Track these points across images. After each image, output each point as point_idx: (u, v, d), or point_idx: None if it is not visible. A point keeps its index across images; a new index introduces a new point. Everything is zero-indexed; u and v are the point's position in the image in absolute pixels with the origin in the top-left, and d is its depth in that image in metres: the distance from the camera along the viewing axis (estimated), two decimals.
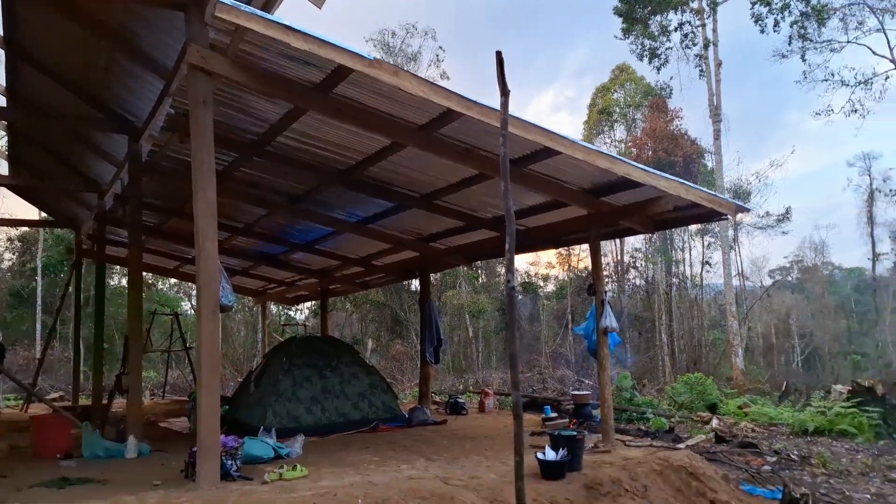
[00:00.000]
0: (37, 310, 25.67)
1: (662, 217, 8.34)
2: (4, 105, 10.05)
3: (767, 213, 32.26)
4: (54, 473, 6.46)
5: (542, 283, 36.90)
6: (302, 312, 31.03)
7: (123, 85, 8.56)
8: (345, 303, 28.96)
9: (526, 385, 20.26)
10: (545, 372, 23.61)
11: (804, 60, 25.35)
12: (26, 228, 26.49)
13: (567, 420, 11.01)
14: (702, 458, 7.61)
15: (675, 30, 26.88)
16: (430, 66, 31.85)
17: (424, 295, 13.23)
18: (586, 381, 19.37)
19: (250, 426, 8.63)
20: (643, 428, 11.59)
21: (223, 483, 5.55)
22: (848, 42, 24.67)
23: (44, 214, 18.36)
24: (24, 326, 27.29)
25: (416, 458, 7.27)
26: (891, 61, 23.93)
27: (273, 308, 29.01)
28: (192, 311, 29.72)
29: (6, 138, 12.87)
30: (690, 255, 34.08)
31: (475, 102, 6.04)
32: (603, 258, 9.14)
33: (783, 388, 18.71)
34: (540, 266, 36.87)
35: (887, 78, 24.41)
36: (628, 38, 28.18)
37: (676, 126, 31.66)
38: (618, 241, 32.49)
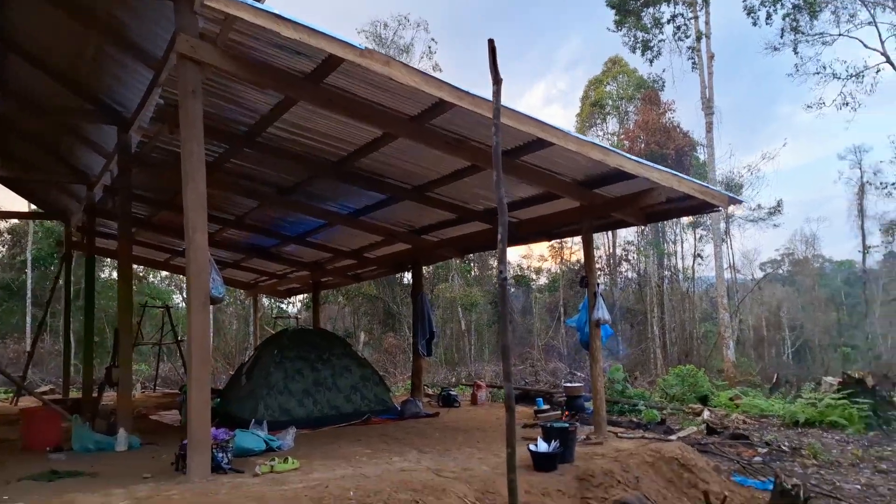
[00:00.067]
0: (27, 303, 25.52)
1: (655, 209, 8.32)
2: None
3: (759, 206, 32.40)
4: (43, 466, 6.40)
5: (534, 276, 36.95)
6: (294, 305, 30.97)
7: (112, 75, 8.47)
8: (337, 296, 28.92)
9: (518, 378, 20.29)
10: (537, 365, 23.65)
11: (796, 53, 25.44)
12: (16, 221, 26.32)
13: (559, 412, 11.02)
14: (693, 449, 7.63)
15: (668, 22, 26.90)
16: (422, 58, 31.79)
17: (417, 287, 13.20)
18: (578, 374, 19.41)
19: (242, 419, 8.59)
20: (635, 420, 11.62)
21: (214, 476, 5.52)
22: (840, 35, 24.75)
23: (33, 206, 18.23)
24: (13, 319, 27.14)
25: (408, 450, 7.26)
26: (882, 54, 24.01)
27: (265, 301, 28.97)
28: (184, 304, 29.58)
29: None
30: (682, 247, 34.23)
31: (467, 93, 6.00)
32: (595, 251, 9.13)
33: (774, 380, 18.81)
34: (532, 259, 36.93)
35: (878, 71, 24.51)
36: (621, 30, 28.18)
37: (669, 119, 31.70)
38: (610, 233, 32.56)
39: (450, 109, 6.32)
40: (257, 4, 5.11)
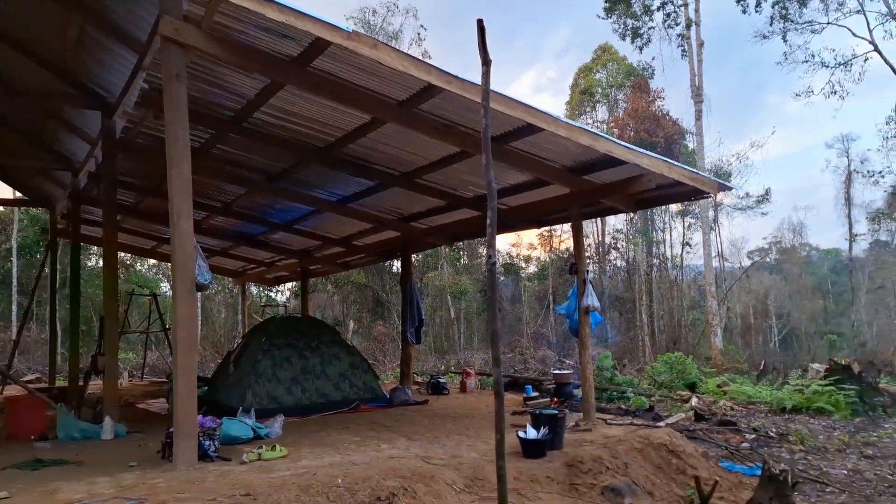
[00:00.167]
0: (12, 291, 25.25)
1: (644, 196, 8.30)
2: None
3: (747, 195, 32.56)
4: (28, 455, 6.34)
5: (523, 265, 36.98)
6: (283, 294, 30.87)
7: (96, 59, 8.33)
8: (326, 284, 28.85)
9: (507, 365, 20.33)
10: (527, 352, 23.71)
11: (785, 41, 25.48)
12: (1, 208, 26.00)
13: (548, 399, 11.03)
14: (682, 435, 7.65)
15: (658, 9, 26.84)
16: (411, 45, 31.56)
17: (406, 275, 13.16)
18: (567, 361, 19.47)
19: (229, 407, 8.54)
20: (623, 407, 11.65)
21: (201, 463, 5.48)
22: (828, 23, 24.75)
23: (18, 193, 18.00)
24: None
25: (396, 437, 7.24)
26: (870, 43, 24.04)
27: (253, 289, 28.85)
28: (171, 292, 29.45)
29: None
30: (671, 236, 34.36)
31: (456, 77, 5.94)
32: (584, 239, 9.10)
33: (761, 367, 18.94)
34: (521, 247, 36.95)
35: (866, 60, 24.57)
36: (611, 17, 28.10)
37: (658, 107, 31.70)
38: (599, 222, 32.63)
39: (438, 94, 6.27)
40: None
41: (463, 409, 10.11)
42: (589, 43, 74.95)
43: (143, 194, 12.23)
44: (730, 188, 9.16)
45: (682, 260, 33.28)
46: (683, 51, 25.61)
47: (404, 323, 12.81)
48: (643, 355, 26.39)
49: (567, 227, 27.52)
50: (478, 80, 4.06)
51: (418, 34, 31.96)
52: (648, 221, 32.25)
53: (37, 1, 7.25)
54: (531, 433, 6.38)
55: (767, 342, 37.32)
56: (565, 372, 12.63)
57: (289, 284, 27.00)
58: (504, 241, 36.88)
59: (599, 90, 34.31)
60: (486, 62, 3.41)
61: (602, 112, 35.21)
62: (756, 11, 25.04)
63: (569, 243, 31.36)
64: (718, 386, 14.18)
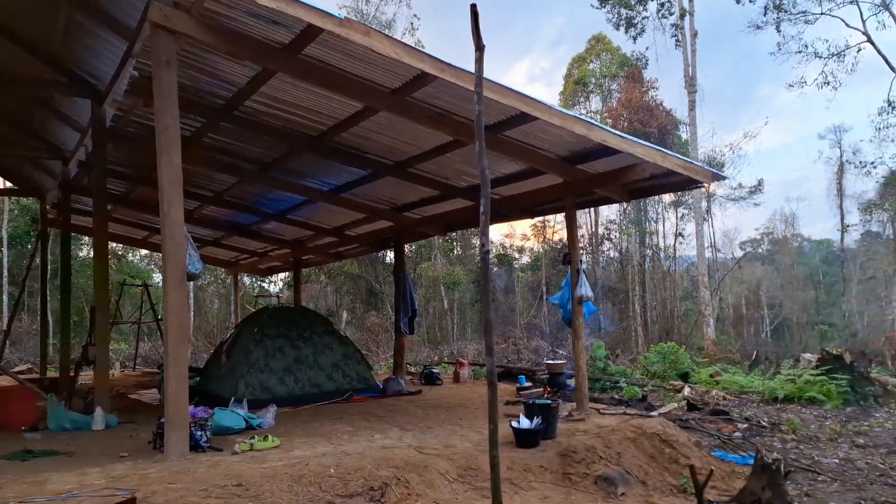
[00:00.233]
0: (3, 281, 25.10)
1: (638, 185, 8.28)
2: None
3: (740, 185, 32.59)
4: (18, 446, 6.31)
5: (517, 255, 36.98)
6: (276, 284, 30.79)
7: (85, 46, 8.24)
8: (319, 275, 28.78)
9: (501, 356, 20.36)
10: (520, 343, 23.73)
11: (779, 31, 25.40)
12: None
13: (541, 389, 11.03)
14: (674, 425, 7.65)
15: None
16: (404, 34, 31.42)
17: (399, 265, 13.12)
18: (560, 352, 19.50)
19: (222, 397, 8.49)
20: (616, 396, 11.67)
21: (192, 454, 5.45)
22: (822, 14, 24.69)
23: (8, 183, 17.84)
24: None
25: (389, 427, 7.22)
26: (863, 33, 24.00)
27: (246, 280, 28.76)
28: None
29: None
30: (664, 226, 34.37)
31: (449, 65, 5.89)
32: (577, 230, 9.08)
33: (753, 357, 19.02)
34: (515, 238, 36.95)
35: (859, 50, 24.52)
36: (605, 6, 27.95)
37: (652, 97, 31.64)
38: (592, 212, 32.61)
39: (432, 82, 6.22)
40: None
41: (456, 399, 10.10)
42: (583, 33, 74.93)
43: (134, 183, 12.14)
44: (723, 178, 9.15)
45: (674, 250, 33.35)
46: (677, 41, 25.53)
47: (397, 313, 12.79)
48: (636, 345, 26.46)
49: (560, 217, 27.65)
50: (471, 69, 4.01)
51: (411, 23, 31.88)
52: (641, 212, 32.26)
53: None
54: (524, 423, 6.37)
55: (759, 332, 37.49)
56: (558, 362, 12.63)
57: (282, 275, 26.92)
58: (497, 232, 36.88)
59: (593, 80, 34.21)
60: (480, 48, 3.37)
61: (596, 102, 35.15)
62: (750, 1, 24.99)
63: (562, 234, 31.37)
64: (711, 376, 14.22)
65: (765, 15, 25.17)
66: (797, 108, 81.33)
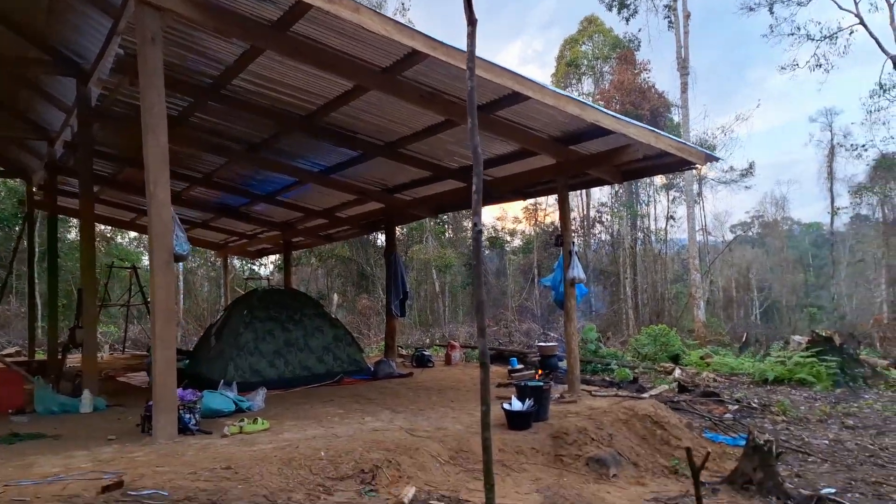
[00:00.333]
0: None
1: (631, 166, 8.23)
2: None
3: (731, 168, 32.60)
4: (5, 429, 6.23)
5: (508, 238, 36.94)
6: (266, 267, 30.67)
7: (69, 24, 8.06)
8: (310, 257, 28.66)
9: (492, 338, 20.34)
10: (511, 326, 23.73)
11: (772, 13, 25.31)
12: None
13: (533, 371, 11.01)
14: (666, 407, 7.66)
15: None
16: (395, 14, 31.07)
17: (390, 247, 13.05)
18: (552, 334, 19.50)
19: (211, 380, 8.44)
20: (608, 379, 11.68)
21: (181, 437, 5.40)
22: None
23: None
24: None
25: (380, 410, 7.19)
26: (855, 16, 23.95)
27: (236, 262, 28.61)
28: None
29: None
30: (655, 209, 34.40)
31: (441, 42, 5.79)
32: (570, 212, 9.01)
33: (743, 340, 19.11)
34: (507, 221, 36.89)
35: (851, 33, 24.51)
36: None
37: (644, 79, 31.54)
38: (584, 195, 32.56)
39: (423, 61, 6.12)
40: None
41: (447, 381, 10.08)
42: (575, 14, 74.35)
43: (121, 165, 11.98)
44: (717, 159, 9.08)
45: (666, 233, 33.39)
46: (670, 22, 25.44)
47: (388, 296, 12.73)
48: (627, 328, 26.54)
49: (552, 200, 27.58)
50: (463, 48, 3.92)
51: (402, 3, 31.49)
52: (633, 195, 32.25)
53: None
54: (516, 405, 6.35)
55: (749, 315, 37.68)
56: (550, 344, 12.62)
57: (272, 258, 26.79)
58: (489, 215, 36.87)
59: (585, 62, 34.01)
60: (472, 21, 3.27)
61: (588, 84, 34.99)
62: None
63: (554, 217, 31.33)
64: (701, 358, 14.27)
65: None
66: (789, 91, 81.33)
